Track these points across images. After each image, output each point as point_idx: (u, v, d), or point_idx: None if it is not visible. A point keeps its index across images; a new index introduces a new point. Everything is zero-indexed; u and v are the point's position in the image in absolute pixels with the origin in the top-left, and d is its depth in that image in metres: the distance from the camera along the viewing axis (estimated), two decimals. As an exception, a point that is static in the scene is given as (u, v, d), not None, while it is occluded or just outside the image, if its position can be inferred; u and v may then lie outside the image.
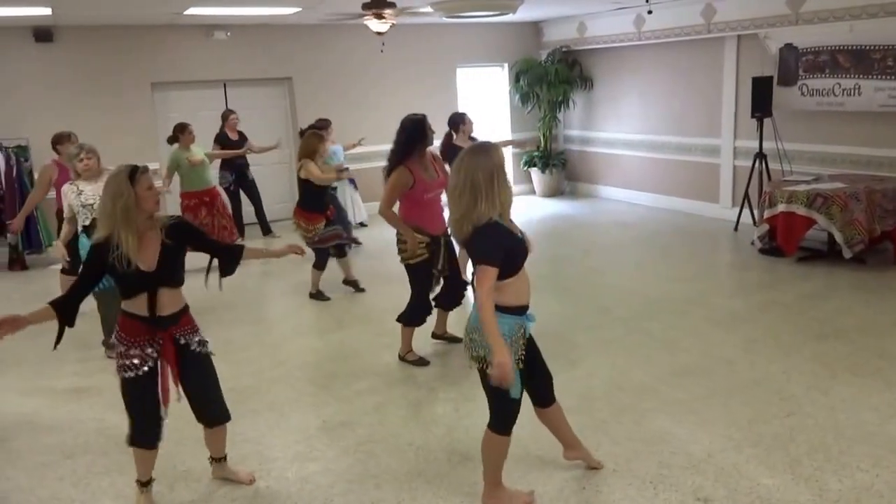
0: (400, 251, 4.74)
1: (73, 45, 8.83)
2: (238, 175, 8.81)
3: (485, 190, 2.84)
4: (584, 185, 11.56)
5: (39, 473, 3.57)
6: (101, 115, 8.74)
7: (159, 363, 3.05)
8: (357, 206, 9.34)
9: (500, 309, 2.88)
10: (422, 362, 4.86)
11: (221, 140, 8.67)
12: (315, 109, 9.46)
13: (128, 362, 2.97)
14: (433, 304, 4.93)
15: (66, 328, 2.91)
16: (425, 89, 10.60)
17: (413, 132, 4.62)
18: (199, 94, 9.59)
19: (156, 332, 3.00)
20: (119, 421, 4.26)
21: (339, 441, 3.89)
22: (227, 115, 8.78)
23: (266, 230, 9.18)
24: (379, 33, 7.82)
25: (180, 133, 7.46)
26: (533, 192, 11.61)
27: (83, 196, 4.85)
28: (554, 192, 11.46)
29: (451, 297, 4.97)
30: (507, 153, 11.62)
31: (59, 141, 6.20)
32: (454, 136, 6.72)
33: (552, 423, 3.35)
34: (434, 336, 5.20)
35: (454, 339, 5.13)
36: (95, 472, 3.63)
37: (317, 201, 6.24)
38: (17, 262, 8.09)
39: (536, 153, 11.37)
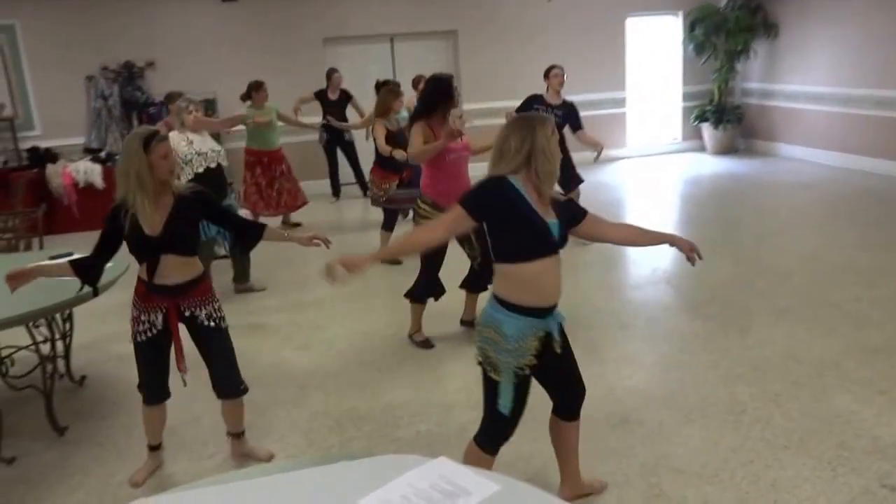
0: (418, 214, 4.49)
1: (254, 3, 9.35)
2: (334, 134, 8.65)
3: (513, 155, 2.47)
4: (760, 143, 10.73)
5: (224, 400, 3.89)
6: (279, 70, 9.21)
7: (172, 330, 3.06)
8: None
9: (511, 307, 2.51)
10: (426, 344, 4.60)
11: (320, 97, 8.61)
12: (478, 62, 9.42)
13: (139, 327, 3.01)
14: (463, 286, 4.71)
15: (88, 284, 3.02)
16: (592, 41, 10.23)
17: (435, 90, 4.41)
18: (367, 48, 9.84)
19: (161, 299, 2.98)
20: (291, 355, 4.58)
21: (495, 392, 3.93)
22: (330, 74, 8.63)
23: (365, 189, 8.98)
24: (547, -18, 7.61)
25: (255, 91, 7.41)
26: (703, 149, 10.93)
27: (194, 145, 5.15)
28: (727, 150, 10.72)
29: (478, 279, 4.59)
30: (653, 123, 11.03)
31: (170, 100, 6.37)
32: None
33: (558, 440, 2.98)
34: (463, 323, 4.87)
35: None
36: (272, 403, 3.92)
37: (392, 160, 6.07)
38: None
39: (709, 107, 10.67)
